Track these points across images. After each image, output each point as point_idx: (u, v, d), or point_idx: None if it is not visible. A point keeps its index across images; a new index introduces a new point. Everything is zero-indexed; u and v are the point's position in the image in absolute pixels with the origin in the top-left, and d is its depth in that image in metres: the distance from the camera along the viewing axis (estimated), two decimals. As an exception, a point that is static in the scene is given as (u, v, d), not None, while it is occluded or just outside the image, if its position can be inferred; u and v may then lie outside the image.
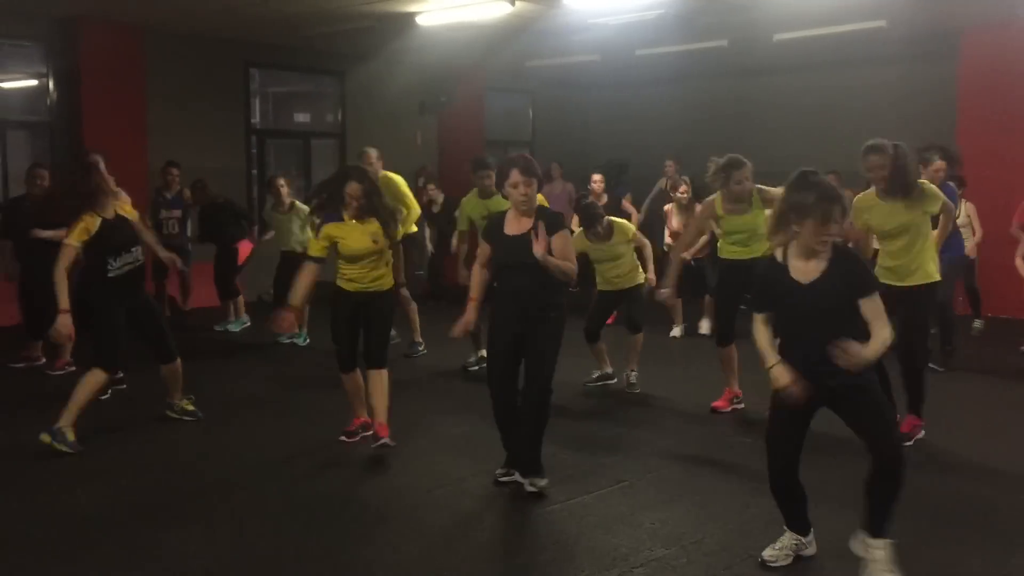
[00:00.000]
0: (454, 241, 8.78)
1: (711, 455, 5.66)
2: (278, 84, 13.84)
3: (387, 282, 5.63)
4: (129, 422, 6.40)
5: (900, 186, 5.51)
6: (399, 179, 8.42)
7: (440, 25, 10.47)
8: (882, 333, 3.64)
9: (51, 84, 10.87)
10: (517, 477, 4.95)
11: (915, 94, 12.68)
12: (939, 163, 7.09)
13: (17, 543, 4.27)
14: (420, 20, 10.32)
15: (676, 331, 9.73)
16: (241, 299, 10.12)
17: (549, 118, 16.34)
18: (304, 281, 5.55)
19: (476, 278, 5.06)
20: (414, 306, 8.53)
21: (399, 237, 5.75)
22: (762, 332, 3.86)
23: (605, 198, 10.80)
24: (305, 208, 8.98)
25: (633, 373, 7.34)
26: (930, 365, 7.76)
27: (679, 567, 4.02)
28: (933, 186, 5.80)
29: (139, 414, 6.56)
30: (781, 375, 3.72)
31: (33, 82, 11.07)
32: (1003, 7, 10.13)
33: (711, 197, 6.45)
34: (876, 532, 3.75)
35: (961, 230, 8.52)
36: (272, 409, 6.79)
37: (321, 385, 7.22)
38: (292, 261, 8.03)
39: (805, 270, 3.70)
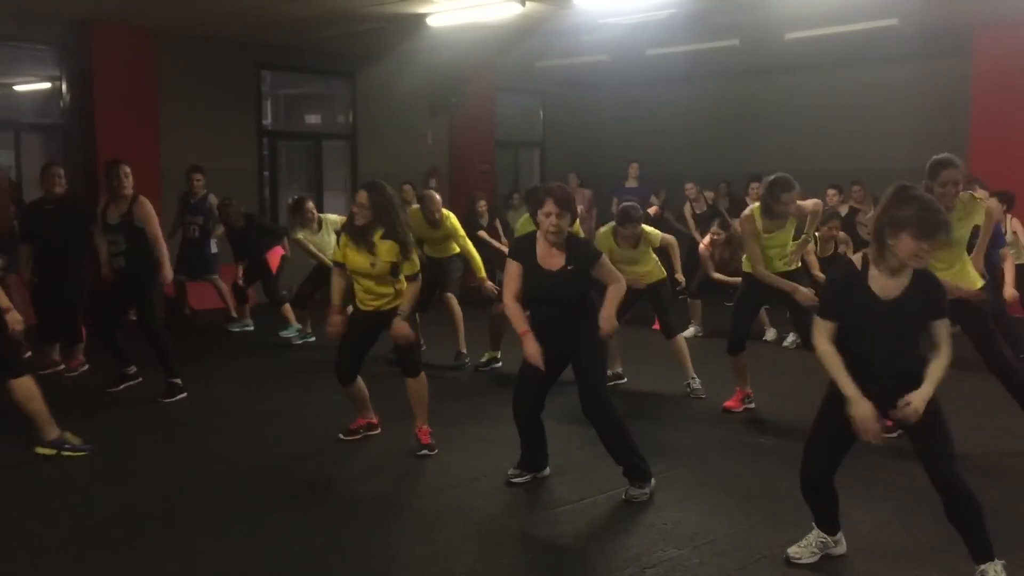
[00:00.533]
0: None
1: (724, 456, 5.64)
2: (289, 86, 13.89)
3: (394, 303, 5.55)
4: (143, 421, 6.43)
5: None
6: (452, 216, 8.31)
7: (450, 26, 10.48)
8: (947, 358, 3.59)
9: (64, 87, 10.93)
10: (528, 478, 5.04)
11: (928, 92, 12.64)
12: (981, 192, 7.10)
13: (29, 543, 4.30)
14: (430, 21, 10.34)
15: (690, 331, 9.71)
16: (247, 306, 10.12)
17: (559, 118, 16.34)
18: (336, 284, 5.67)
19: (515, 310, 4.82)
20: (458, 315, 8.26)
21: (413, 272, 5.56)
22: (832, 353, 3.65)
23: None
24: (332, 217, 9.09)
25: (694, 380, 7.16)
26: None
27: (692, 567, 4.01)
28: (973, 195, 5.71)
29: (150, 413, 6.60)
30: (861, 410, 3.55)
31: (46, 85, 11.14)
32: (1016, 4, 10.07)
33: (748, 211, 6.36)
34: (977, 557, 3.65)
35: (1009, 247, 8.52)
36: (283, 409, 6.80)
37: (334, 385, 7.23)
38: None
39: (886, 285, 3.58)
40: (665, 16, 10.01)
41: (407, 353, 5.60)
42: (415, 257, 5.53)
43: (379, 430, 5.99)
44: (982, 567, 3.64)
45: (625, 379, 7.44)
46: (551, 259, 4.78)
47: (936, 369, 3.57)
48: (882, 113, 13.19)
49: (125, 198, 6.94)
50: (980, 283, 5.59)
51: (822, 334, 3.68)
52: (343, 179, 13.61)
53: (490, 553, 4.26)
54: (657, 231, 7.35)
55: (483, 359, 8.13)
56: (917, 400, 3.50)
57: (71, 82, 10.90)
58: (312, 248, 8.97)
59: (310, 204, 9.13)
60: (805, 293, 6.23)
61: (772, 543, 4.22)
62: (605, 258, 4.88)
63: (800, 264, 6.57)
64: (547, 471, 5.20)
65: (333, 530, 4.45)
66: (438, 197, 8.19)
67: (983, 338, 5.56)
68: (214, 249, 10.33)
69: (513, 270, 4.83)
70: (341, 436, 5.91)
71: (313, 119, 14.63)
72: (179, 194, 10.32)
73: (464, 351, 8.26)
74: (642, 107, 15.80)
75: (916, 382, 3.54)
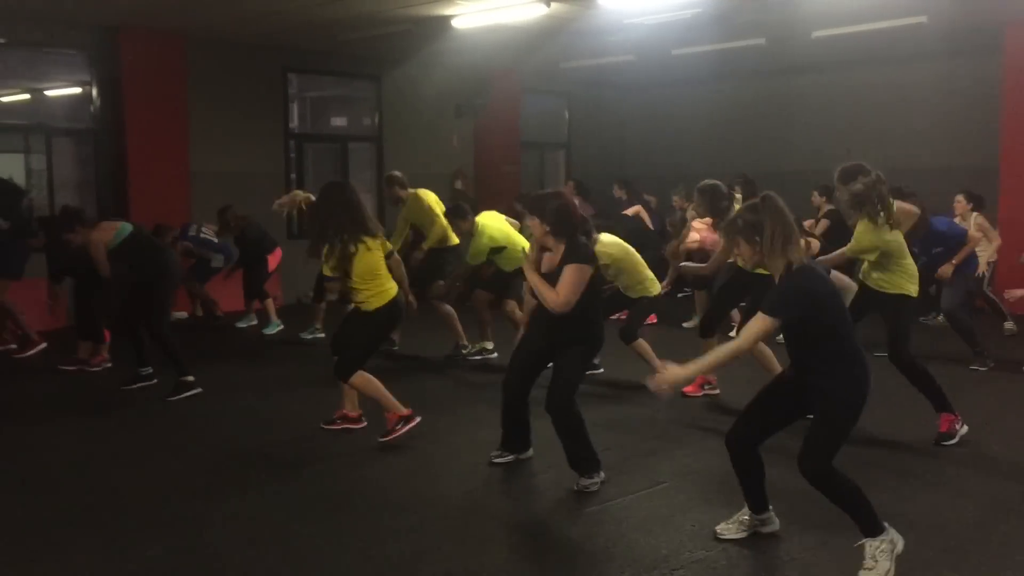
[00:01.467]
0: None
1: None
2: (316, 89, 13.96)
3: (367, 303, 5.71)
4: (159, 414, 6.50)
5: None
6: (427, 196, 8.55)
7: (476, 28, 10.50)
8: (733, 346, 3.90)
9: (95, 91, 11.06)
10: (510, 459, 5.37)
11: (957, 91, 12.50)
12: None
13: (43, 522, 4.36)
14: (456, 23, 10.36)
15: (693, 322, 9.68)
16: (269, 302, 10.19)
17: (585, 119, 16.31)
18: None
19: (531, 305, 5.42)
20: (448, 310, 8.52)
21: (394, 249, 6.00)
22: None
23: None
24: None
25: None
26: (972, 367, 7.81)
27: (720, 569, 4.00)
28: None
29: (168, 414, 6.68)
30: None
31: (77, 90, 11.27)
32: (1047, 0, 9.95)
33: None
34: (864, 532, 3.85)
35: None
36: (297, 403, 6.82)
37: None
38: None
39: None
40: (690, 16, 9.97)
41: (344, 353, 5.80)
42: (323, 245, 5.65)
43: (362, 424, 6.14)
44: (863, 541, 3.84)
45: (601, 369, 7.64)
46: (550, 264, 4.95)
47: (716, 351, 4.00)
48: (910, 112, 13.05)
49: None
50: (912, 289, 5.83)
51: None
52: (369, 181, 13.67)
53: (516, 552, 4.27)
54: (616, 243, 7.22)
55: (472, 348, 8.48)
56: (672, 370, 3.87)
57: (101, 87, 11.03)
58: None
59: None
60: None
61: (801, 545, 4.20)
62: (578, 269, 4.77)
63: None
64: (530, 452, 5.43)
65: (352, 532, 4.46)
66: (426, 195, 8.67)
67: (895, 333, 5.86)
68: (217, 264, 10.47)
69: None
70: (323, 425, 6.16)
71: (339, 121, 14.70)
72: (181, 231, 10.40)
73: (466, 343, 8.61)
74: (668, 107, 15.74)
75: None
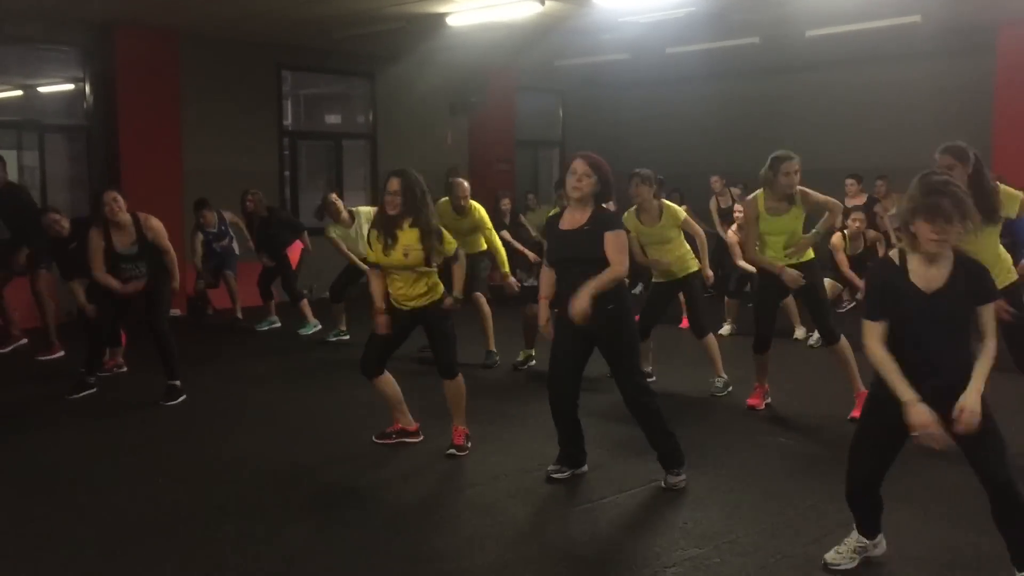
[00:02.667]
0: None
1: (745, 455, 5.62)
2: (309, 86, 13.96)
3: (434, 295, 5.49)
4: (176, 423, 6.49)
5: None
6: (480, 207, 8.25)
7: (470, 25, 10.50)
8: (992, 348, 3.47)
9: (88, 88, 11.04)
10: (567, 474, 5.09)
11: (950, 90, 12.54)
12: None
13: (62, 539, 4.35)
14: (450, 21, 10.36)
15: (725, 329, 9.66)
16: (273, 303, 10.19)
17: (579, 117, 16.33)
18: (375, 287, 5.57)
19: (545, 277, 5.07)
20: (487, 313, 8.21)
21: (451, 253, 5.56)
22: (885, 356, 3.50)
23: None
24: (364, 209, 9.04)
25: (718, 380, 7.12)
26: None
27: (712, 567, 4.01)
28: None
29: (184, 414, 6.66)
30: (921, 416, 3.39)
31: (70, 86, 11.25)
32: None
33: (753, 195, 6.36)
34: (1019, 565, 3.53)
35: None
36: (311, 407, 6.83)
37: (363, 384, 7.26)
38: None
39: (927, 276, 3.46)
40: (685, 14, 9.98)
41: (445, 354, 5.53)
42: (449, 239, 5.51)
43: (419, 438, 5.82)
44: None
45: (654, 378, 7.38)
46: (572, 221, 4.83)
47: (982, 363, 3.43)
48: (904, 110, 13.09)
49: (122, 224, 6.73)
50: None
51: (872, 337, 3.53)
52: (363, 179, 13.66)
53: (510, 551, 4.27)
54: (678, 207, 7.24)
55: (519, 358, 8.05)
56: (970, 401, 3.37)
57: (94, 84, 11.00)
58: (344, 248, 8.90)
59: (333, 197, 8.99)
60: (792, 275, 6.19)
61: (793, 543, 4.21)
62: (623, 233, 4.82)
63: (811, 257, 6.45)
64: (585, 468, 5.18)
65: (355, 528, 4.47)
66: (466, 184, 8.10)
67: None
68: (236, 251, 10.41)
69: (546, 244, 5.07)
70: (374, 439, 5.83)
71: (333, 119, 14.69)
72: (192, 229, 10.27)
73: (494, 349, 8.22)
74: (662, 105, 15.76)
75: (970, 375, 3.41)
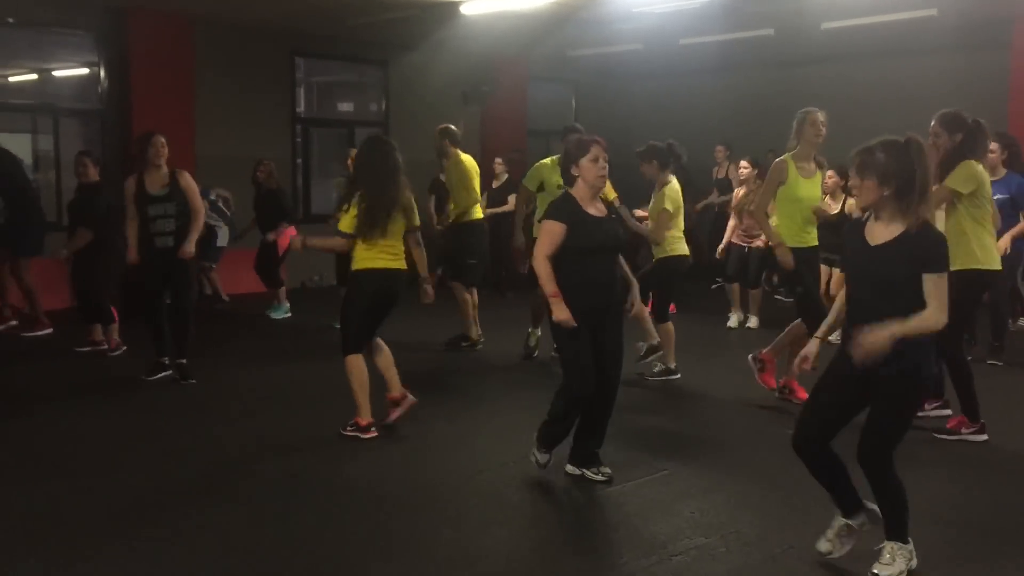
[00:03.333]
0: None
1: (751, 446, 5.63)
2: (323, 73, 13.96)
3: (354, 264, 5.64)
4: (169, 409, 6.53)
5: None
6: (468, 162, 8.34)
7: (483, 14, 10.48)
8: (932, 315, 3.47)
9: (102, 72, 11.07)
10: (587, 473, 4.91)
11: (966, 84, 12.43)
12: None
13: (55, 524, 4.39)
14: (464, 9, 10.34)
15: (732, 320, 9.62)
16: (283, 289, 10.21)
17: (592, 108, 16.27)
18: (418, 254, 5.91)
19: (548, 271, 4.65)
20: (466, 297, 8.32)
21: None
22: (838, 302, 3.90)
23: None
24: None
25: (660, 364, 7.21)
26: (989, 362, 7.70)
27: (718, 556, 4.02)
28: None
29: (181, 400, 6.70)
30: (811, 348, 3.86)
31: (84, 71, 11.29)
32: (1058, -6, 9.92)
33: (781, 158, 6.26)
34: (888, 535, 3.74)
35: None
36: (311, 394, 6.86)
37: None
38: None
39: (877, 232, 3.61)
40: (699, 5, 9.95)
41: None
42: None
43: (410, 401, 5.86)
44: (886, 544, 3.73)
45: (679, 375, 7.28)
46: (596, 209, 4.76)
47: (910, 321, 3.45)
48: (919, 105, 12.84)
49: (159, 168, 6.86)
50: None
51: (837, 284, 3.77)
52: (375, 166, 13.66)
53: (516, 538, 4.30)
54: (667, 193, 7.06)
55: (531, 342, 7.97)
56: (874, 334, 3.44)
57: (109, 68, 11.03)
58: None
59: (353, 152, 9.06)
60: (784, 251, 6.14)
61: (800, 533, 4.22)
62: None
63: (815, 244, 6.40)
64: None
65: (361, 513, 4.49)
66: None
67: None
68: (222, 242, 10.40)
69: (556, 229, 4.64)
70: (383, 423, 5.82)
71: (346, 107, 14.70)
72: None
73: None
74: (675, 97, 15.70)
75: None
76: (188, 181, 7.00)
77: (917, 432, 5.55)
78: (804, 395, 6.34)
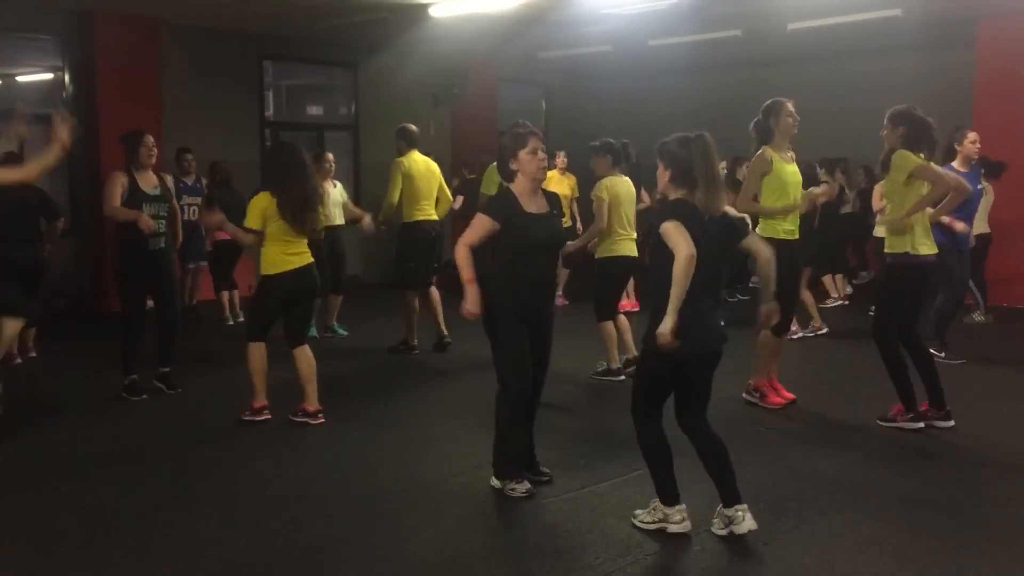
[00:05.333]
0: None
1: (727, 445, 5.64)
2: (291, 76, 13.88)
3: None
4: (148, 418, 6.46)
5: None
6: (419, 163, 8.27)
7: (452, 16, 10.47)
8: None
9: (67, 77, 10.94)
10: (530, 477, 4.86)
11: (930, 82, 12.59)
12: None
13: (32, 535, 4.33)
14: (433, 11, 10.33)
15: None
16: (225, 294, 9.97)
17: (562, 109, 16.32)
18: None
19: (467, 258, 4.55)
20: (415, 305, 8.34)
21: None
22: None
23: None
24: (340, 188, 9.20)
25: (606, 364, 7.32)
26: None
27: (693, 554, 4.04)
28: None
29: (155, 409, 6.64)
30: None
31: (49, 75, 11.14)
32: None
33: (759, 152, 6.22)
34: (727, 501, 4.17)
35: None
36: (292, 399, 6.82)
37: (352, 378, 7.28)
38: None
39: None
40: (667, 6, 10.01)
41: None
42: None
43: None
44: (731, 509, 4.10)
45: (623, 377, 7.28)
46: (536, 205, 4.65)
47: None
48: (884, 103, 12.95)
49: (149, 168, 6.71)
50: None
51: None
52: (346, 170, 13.59)
53: (493, 539, 4.29)
54: (601, 187, 7.19)
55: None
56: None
57: (73, 72, 10.90)
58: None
59: (330, 157, 9.07)
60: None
61: (773, 530, 4.25)
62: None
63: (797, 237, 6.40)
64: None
65: (337, 517, 4.47)
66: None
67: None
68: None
69: (484, 223, 4.56)
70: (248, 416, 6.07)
71: (315, 110, 14.62)
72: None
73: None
74: (645, 98, 15.78)
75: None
76: (171, 183, 7.07)
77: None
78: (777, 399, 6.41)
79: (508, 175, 4.70)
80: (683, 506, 4.21)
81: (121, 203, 6.49)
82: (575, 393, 6.98)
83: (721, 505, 4.19)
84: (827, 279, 11.16)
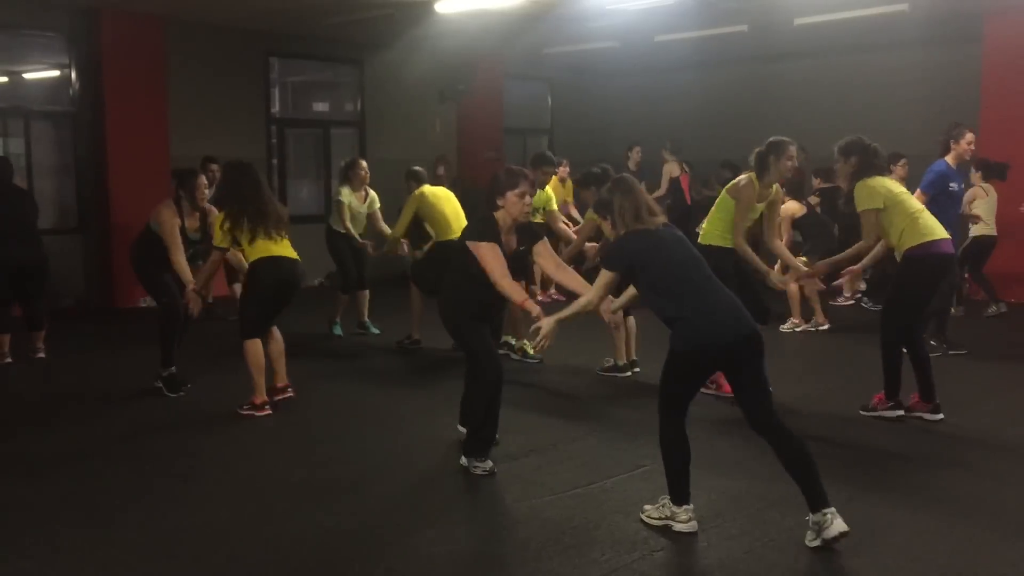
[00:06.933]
0: None
1: (730, 441, 5.65)
2: (297, 73, 13.89)
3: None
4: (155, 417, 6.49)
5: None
6: (431, 195, 8.22)
7: (458, 12, 10.46)
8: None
9: (73, 74, 10.96)
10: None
11: (937, 78, 12.58)
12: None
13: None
14: (438, 7, 10.32)
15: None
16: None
17: (568, 105, 16.31)
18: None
19: (514, 283, 4.98)
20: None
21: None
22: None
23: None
24: (374, 195, 9.13)
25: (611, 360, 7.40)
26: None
27: (700, 550, 4.04)
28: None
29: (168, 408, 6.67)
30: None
31: (55, 72, 11.17)
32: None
33: (744, 178, 6.26)
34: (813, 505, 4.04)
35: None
36: (306, 394, 6.83)
37: (357, 375, 7.29)
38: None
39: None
40: (674, 2, 10.00)
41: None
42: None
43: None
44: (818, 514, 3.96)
45: (629, 373, 7.34)
46: (509, 241, 5.00)
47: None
48: (891, 99, 13.11)
49: (196, 209, 6.71)
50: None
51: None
52: (351, 166, 13.60)
53: (499, 535, 4.30)
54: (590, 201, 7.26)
55: (527, 349, 7.89)
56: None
57: (80, 70, 10.92)
58: (347, 216, 8.76)
59: (363, 163, 9.01)
60: (776, 277, 6.37)
61: (780, 527, 4.25)
62: (547, 242, 5.19)
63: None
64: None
65: (342, 513, 4.48)
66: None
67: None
68: None
69: (495, 250, 4.88)
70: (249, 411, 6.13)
71: (321, 106, 14.63)
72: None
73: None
74: (651, 93, 15.75)
75: None
76: (213, 217, 6.63)
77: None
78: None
79: (492, 206, 4.97)
80: (691, 506, 4.21)
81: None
82: (581, 389, 6.98)
83: (810, 511, 4.00)
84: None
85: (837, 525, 3.92)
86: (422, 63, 13.43)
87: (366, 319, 9.18)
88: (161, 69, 11.10)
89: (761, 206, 6.32)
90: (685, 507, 4.21)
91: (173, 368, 6.75)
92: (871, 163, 5.84)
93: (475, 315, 5.03)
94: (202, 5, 10.47)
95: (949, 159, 7.49)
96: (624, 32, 12.01)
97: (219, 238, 6.06)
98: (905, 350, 5.93)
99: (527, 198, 4.93)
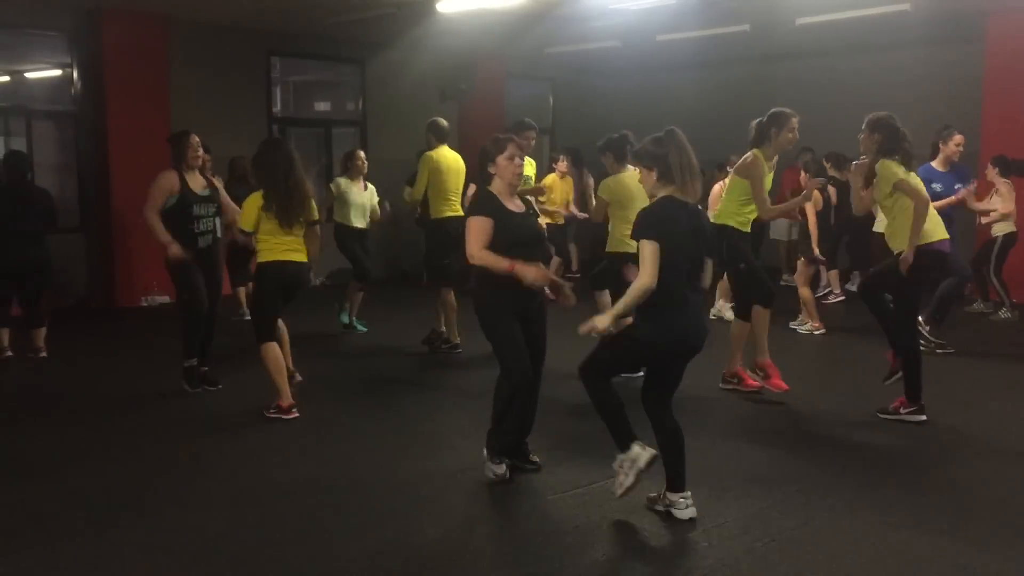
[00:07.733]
0: None
1: (730, 439, 5.66)
2: (299, 72, 13.89)
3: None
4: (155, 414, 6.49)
5: None
6: (443, 158, 8.08)
7: (460, 12, 10.46)
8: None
9: (75, 73, 10.97)
10: (517, 463, 4.99)
11: (939, 77, 12.57)
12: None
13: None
14: (440, 7, 10.32)
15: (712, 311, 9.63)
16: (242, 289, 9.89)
17: (569, 105, 16.30)
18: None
19: (489, 254, 4.65)
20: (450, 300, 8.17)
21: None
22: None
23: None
24: (373, 189, 9.33)
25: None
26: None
27: (701, 550, 4.04)
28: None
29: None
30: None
31: (57, 72, 11.18)
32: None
33: (752, 156, 6.35)
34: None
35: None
36: (308, 394, 6.83)
37: (362, 373, 7.28)
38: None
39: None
40: (676, 1, 9.99)
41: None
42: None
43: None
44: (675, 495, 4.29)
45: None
46: (515, 205, 4.86)
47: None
48: (893, 98, 13.01)
49: (195, 169, 6.76)
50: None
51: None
52: (353, 165, 13.61)
53: (501, 534, 4.30)
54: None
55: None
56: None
57: (82, 69, 10.93)
58: (332, 201, 9.09)
59: (361, 154, 9.27)
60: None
61: (781, 526, 4.24)
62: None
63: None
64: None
65: (346, 511, 4.48)
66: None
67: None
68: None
69: (485, 225, 4.67)
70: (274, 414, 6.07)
71: (323, 106, 14.63)
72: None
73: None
74: (652, 93, 15.74)
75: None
76: (219, 183, 7.14)
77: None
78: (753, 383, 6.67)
79: (487, 178, 4.87)
80: (641, 441, 4.35)
81: (170, 205, 6.52)
82: (582, 388, 6.95)
83: (666, 489, 4.35)
84: (832, 274, 11.14)
85: (689, 511, 4.29)
86: (424, 62, 13.43)
87: (354, 317, 9.28)
88: (163, 68, 11.11)
89: (770, 176, 6.40)
90: (634, 444, 4.35)
91: (194, 360, 6.75)
92: (896, 144, 5.90)
93: (506, 309, 4.71)
94: (204, 4, 10.47)
95: (936, 162, 7.59)
96: (626, 32, 12.01)
97: (246, 220, 6.05)
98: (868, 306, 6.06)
99: (516, 160, 4.79)
